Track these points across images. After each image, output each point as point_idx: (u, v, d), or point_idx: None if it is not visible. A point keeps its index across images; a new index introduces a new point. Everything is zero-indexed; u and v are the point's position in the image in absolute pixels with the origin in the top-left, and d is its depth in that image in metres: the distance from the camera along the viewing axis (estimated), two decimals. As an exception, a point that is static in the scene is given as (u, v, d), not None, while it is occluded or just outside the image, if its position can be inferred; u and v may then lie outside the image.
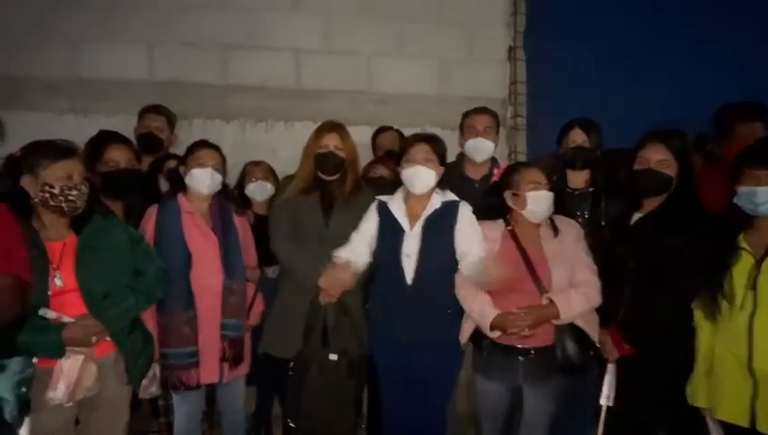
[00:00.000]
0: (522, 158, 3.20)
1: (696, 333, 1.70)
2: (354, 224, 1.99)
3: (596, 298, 1.80)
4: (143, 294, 1.71)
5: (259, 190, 2.42)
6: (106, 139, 2.00)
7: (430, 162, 1.90)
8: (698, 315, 1.70)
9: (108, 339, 1.64)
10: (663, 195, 1.82)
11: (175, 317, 1.86)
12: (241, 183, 2.48)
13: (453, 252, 1.90)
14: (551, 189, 1.86)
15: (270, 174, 2.47)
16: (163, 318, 1.88)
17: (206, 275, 1.91)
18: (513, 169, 1.98)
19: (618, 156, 2.14)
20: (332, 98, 3.05)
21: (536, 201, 1.83)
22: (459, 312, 1.92)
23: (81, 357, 1.54)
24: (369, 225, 1.96)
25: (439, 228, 1.92)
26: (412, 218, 1.94)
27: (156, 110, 2.61)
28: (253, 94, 3.03)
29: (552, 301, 1.77)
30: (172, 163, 2.23)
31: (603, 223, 2.08)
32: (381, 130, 2.82)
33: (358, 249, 1.93)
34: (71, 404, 1.55)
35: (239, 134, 3.01)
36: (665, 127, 1.91)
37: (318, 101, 3.02)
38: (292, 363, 1.95)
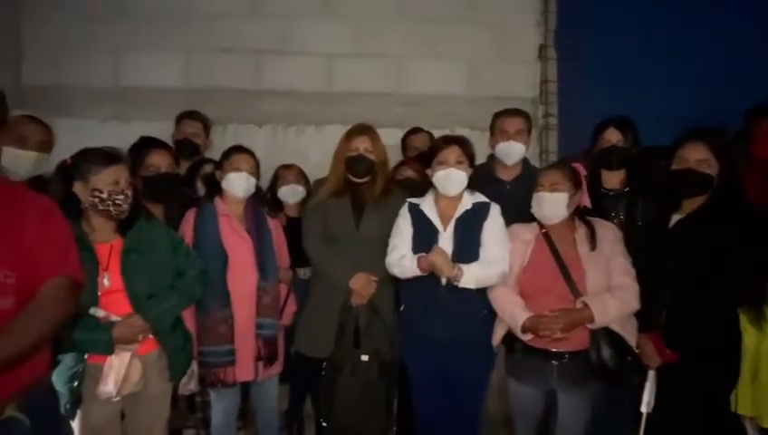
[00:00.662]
0: (553, 158, 3.13)
1: (742, 338, 1.64)
2: (385, 226, 2.00)
3: (633, 303, 1.75)
4: (184, 294, 1.76)
5: (291, 193, 2.45)
6: (147, 144, 2.07)
7: (462, 164, 1.91)
8: (743, 320, 1.64)
9: (151, 337, 1.68)
10: (704, 195, 1.77)
11: (212, 316, 1.90)
12: (273, 186, 2.52)
13: None
14: (574, 191, 1.82)
15: (301, 177, 2.50)
16: (201, 317, 1.92)
17: (242, 276, 1.94)
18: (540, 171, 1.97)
19: (652, 154, 2.08)
20: (363, 101, 3.06)
21: (537, 203, 1.82)
22: (494, 313, 1.91)
23: (129, 354, 1.60)
24: (406, 225, 1.96)
25: (471, 229, 1.92)
26: (444, 219, 1.94)
27: (192, 116, 2.67)
28: (285, 99, 3.07)
29: (586, 304, 1.73)
30: (209, 168, 2.29)
31: (640, 224, 2.02)
32: (412, 132, 2.80)
33: (405, 252, 1.92)
34: (118, 398, 1.61)
35: (271, 138, 3.05)
36: (703, 125, 1.84)
37: (348, 105, 3.03)
38: (324, 364, 1.98)
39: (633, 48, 2.88)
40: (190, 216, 1.99)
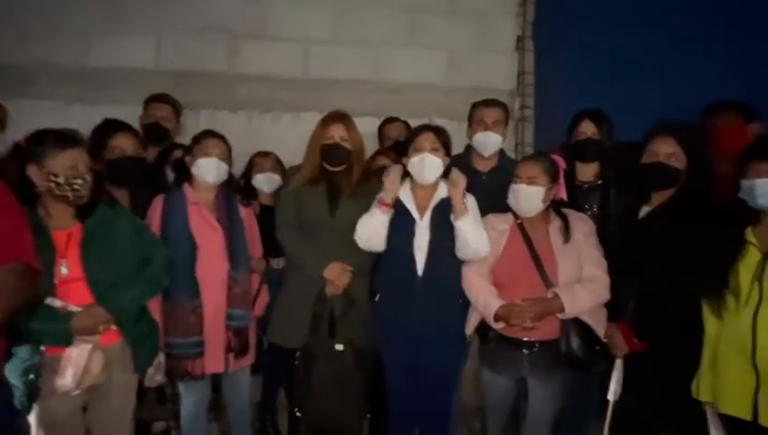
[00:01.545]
0: (529, 150, 3.15)
1: (704, 328, 1.67)
2: (361, 214, 1.95)
3: (604, 294, 1.77)
4: (150, 282, 1.70)
5: (267, 181, 2.39)
6: (111, 126, 1.97)
7: (437, 151, 1.87)
8: (706, 309, 1.66)
9: (114, 328, 1.62)
10: (672, 189, 1.78)
11: (180, 307, 1.84)
12: (247, 174, 2.45)
13: None
14: (551, 185, 1.81)
15: (278, 165, 2.44)
16: (168, 308, 1.86)
17: (211, 266, 1.89)
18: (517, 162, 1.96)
19: (627, 149, 2.08)
20: (340, 88, 3.01)
21: (514, 195, 1.82)
22: (468, 303, 1.91)
23: (89, 346, 1.53)
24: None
25: (447, 219, 1.89)
26: (420, 209, 1.92)
27: (162, 99, 2.56)
28: (260, 84, 3.00)
29: (557, 295, 1.74)
30: (179, 153, 2.20)
31: (612, 216, 2.04)
32: (388, 121, 2.77)
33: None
34: (78, 392, 1.55)
35: (246, 125, 2.98)
36: (674, 119, 1.85)
37: (325, 92, 2.98)
38: (298, 353, 1.95)
39: (612, 41, 2.87)
40: (158, 202, 1.92)
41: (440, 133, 1.92)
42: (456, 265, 1.90)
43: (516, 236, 1.85)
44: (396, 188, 1.85)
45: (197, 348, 1.86)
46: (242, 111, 2.99)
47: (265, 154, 2.46)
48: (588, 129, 2.14)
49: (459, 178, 1.84)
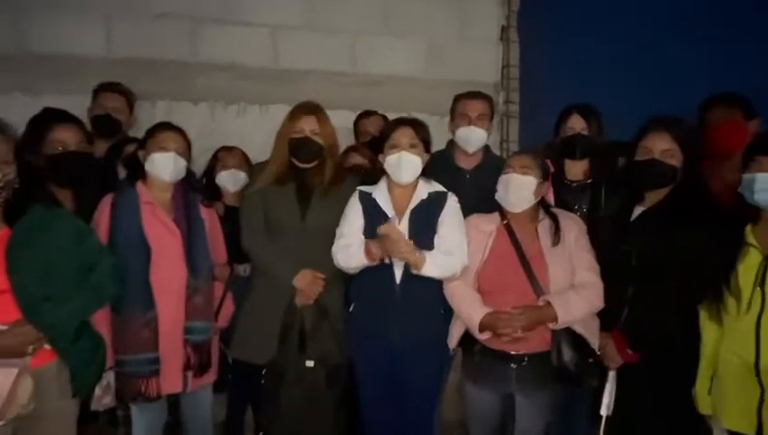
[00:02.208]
0: (514, 147, 3.14)
1: (701, 336, 1.67)
2: (334, 217, 1.92)
3: (597, 302, 1.75)
4: (92, 294, 1.61)
5: (231, 179, 2.34)
6: (51, 117, 1.87)
7: (415, 148, 1.85)
8: (703, 316, 1.66)
9: (48, 347, 1.52)
10: (667, 187, 1.77)
11: (132, 320, 1.77)
12: (210, 171, 2.41)
13: None
14: (542, 180, 1.80)
15: (244, 162, 2.39)
16: (118, 321, 1.78)
17: (168, 273, 1.82)
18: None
19: (618, 148, 2.10)
20: (312, 79, 2.96)
21: (504, 185, 1.78)
22: (450, 313, 1.88)
23: (15, 370, 1.41)
24: (356, 215, 1.88)
25: (427, 220, 1.86)
26: (398, 210, 1.88)
27: (113, 88, 2.48)
28: (224, 74, 2.93)
29: (549, 303, 1.71)
30: (131, 148, 2.12)
31: (602, 217, 2.03)
32: (364, 115, 2.73)
33: (354, 241, 1.83)
34: (2, 423, 1.42)
35: (208, 118, 2.91)
36: (669, 114, 1.84)
37: (296, 83, 2.93)
38: (265, 371, 1.90)
39: (602, 31, 2.88)
40: (106, 203, 1.84)
41: (419, 128, 1.89)
42: None
43: (503, 237, 1.82)
44: (386, 250, 1.76)
45: (152, 366, 1.79)
46: (203, 102, 2.92)
47: (230, 150, 2.41)
48: (577, 124, 2.13)
49: (389, 229, 1.72)
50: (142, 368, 1.78)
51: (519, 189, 1.78)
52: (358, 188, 1.93)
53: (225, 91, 2.93)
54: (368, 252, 1.77)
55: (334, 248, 1.85)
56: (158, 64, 2.85)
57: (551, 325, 1.73)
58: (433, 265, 1.76)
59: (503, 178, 1.81)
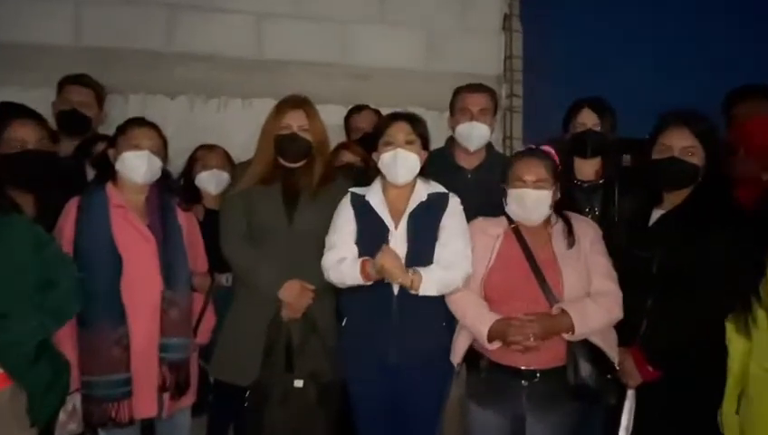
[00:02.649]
0: (517, 145, 3.13)
1: (728, 351, 1.62)
2: (324, 221, 1.88)
3: (617, 312, 1.69)
4: (51, 312, 1.54)
5: (213, 181, 2.31)
6: (8, 112, 1.80)
7: (412, 145, 1.81)
8: (730, 329, 1.61)
9: (1, 371, 1.45)
10: (688, 188, 1.73)
11: (101, 337, 1.71)
12: (189, 171, 2.38)
13: None
14: (555, 186, 1.75)
15: (226, 161, 2.36)
16: (86, 339, 1.72)
17: (141, 285, 1.77)
18: (510, 159, 1.90)
19: (631, 145, 2.08)
20: (300, 71, 2.94)
21: (517, 201, 1.74)
22: (453, 326, 1.83)
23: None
24: (348, 221, 1.83)
25: (427, 225, 1.81)
26: (394, 214, 1.83)
27: (80, 81, 2.43)
28: (204, 65, 2.90)
29: (564, 311, 1.66)
30: (101, 146, 2.06)
31: (616, 220, 1.99)
32: (356, 110, 2.71)
33: (346, 253, 1.78)
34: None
35: (186, 113, 2.88)
36: (688, 109, 1.78)
37: (282, 75, 2.90)
38: (248, 392, 1.84)
39: (611, 19, 2.84)
40: (71, 206, 1.78)
41: (416, 123, 1.85)
42: None
43: (511, 241, 1.77)
44: (384, 273, 1.70)
45: (123, 387, 1.73)
46: (181, 96, 2.89)
47: (210, 148, 2.39)
48: (588, 119, 2.09)
49: (387, 257, 1.67)
50: (112, 390, 1.71)
51: (537, 207, 1.73)
52: (350, 190, 1.88)
53: (205, 83, 2.90)
54: (363, 272, 1.72)
55: (325, 262, 1.80)
56: (130, 54, 2.81)
57: (566, 336, 1.67)
58: (431, 283, 1.71)
59: (515, 194, 1.74)
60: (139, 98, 2.78)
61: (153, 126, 1.88)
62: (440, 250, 1.77)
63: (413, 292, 1.71)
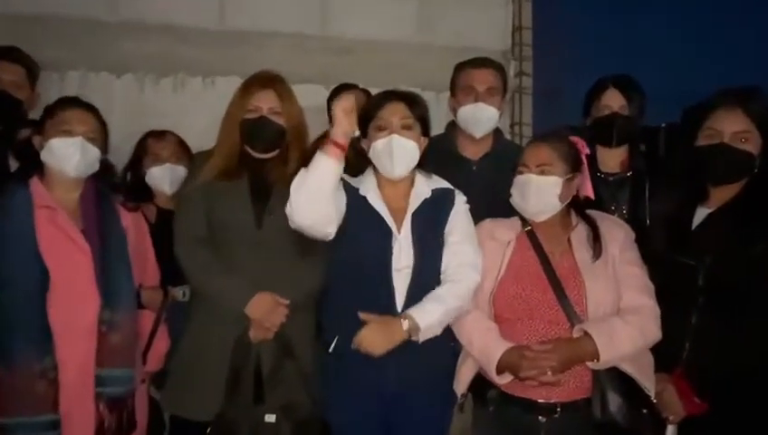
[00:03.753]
0: (527, 131, 3.12)
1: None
2: None
3: (653, 332, 1.64)
4: None
5: (167, 176, 2.26)
6: None
7: (409, 130, 1.77)
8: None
9: None
10: (740, 181, 1.70)
11: (21, 369, 1.62)
12: (137, 164, 2.33)
13: None
14: (571, 175, 1.71)
15: (181, 151, 2.34)
16: (2, 372, 1.64)
17: (73, 304, 1.70)
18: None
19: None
20: (271, 44, 2.91)
21: (519, 190, 1.72)
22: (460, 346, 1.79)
23: None
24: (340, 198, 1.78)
25: (433, 229, 1.78)
26: (395, 215, 1.79)
27: (10, 56, 2.31)
28: (156, 37, 2.86)
29: (587, 334, 1.60)
30: (27, 133, 1.99)
31: (649, 221, 1.97)
32: (341, 89, 2.64)
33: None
34: None
35: (136, 93, 2.85)
36: (741, 86, 1.74)
37: (250, 49, 2.87)
38: (209, 429, 1.75)
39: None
40: None
41: (414, 103, 1.81)
42: None
43: (525, 249, 1.74)
44: (351, 122, 1.68)
45: (50, 431, 1.64)
46: (129, 73, 2.85)
47: (160, 135, 2.33)
48: (613, 101, 2.06)
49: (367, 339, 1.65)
50: (37, 434, 1.63)
51: (539, 195, 1.70)
52: (342, 177, 1.79)
53: (158, 59, 2.87)
54: (329, 142, 1.68)
55: (288, 205, 1.71)
56: (68, 24, 2.77)
57: (591, 365, 1.61)
58: (433, 323, 1.67)
59: (517, 181, 1.73)
60: (79, 75, 2.75)
61: (89, 107, 1.82)
62: (447, 259, 1.75)
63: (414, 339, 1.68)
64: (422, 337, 1.67)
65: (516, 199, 1.73)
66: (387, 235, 1.73)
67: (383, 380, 1.72)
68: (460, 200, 1.81)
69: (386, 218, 1.75)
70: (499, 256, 1.73)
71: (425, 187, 1.79)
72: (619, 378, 1.62)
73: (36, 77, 2.40)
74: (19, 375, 1.60)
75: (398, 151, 1.72)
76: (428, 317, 1.66)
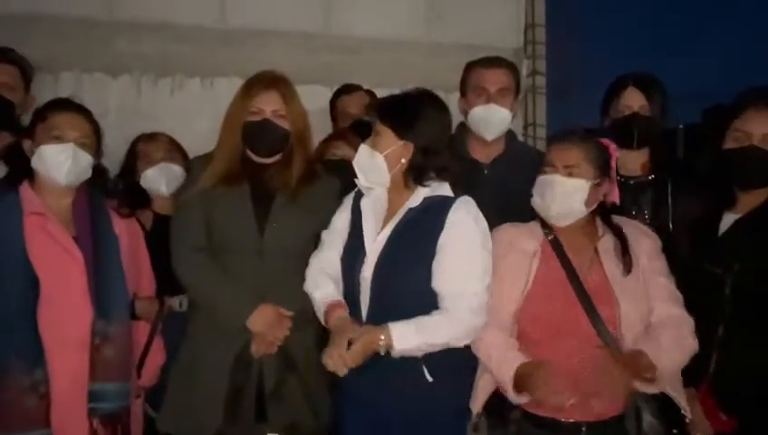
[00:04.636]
0: (541, 132, 3.13)
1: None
2: (304, 230, 1.86)
3: (692, 344, 1.61)
4: None
5: (163, 177, 2.26)
6: None
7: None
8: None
9: None
10: (769, 186, 1.69)
11: (11, 383, 1.62)
12: (131, 169, 2.33)
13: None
14: (599, 180, 1.66)
15: (174, 150, 2.34)
16: None
17: (64, 314, 1.69)
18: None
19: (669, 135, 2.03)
20: (273, 43, 2.91)
21: (542, 191, 1.67)
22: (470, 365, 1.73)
23: None
24: (341, 220, 1.80)
25: (413, 241, 1.67)
26: (387, 222, 1.75)
27: (4, 57, 2.35)
28: (154, 36, 2.88)
29: (641, 353, 1.54)
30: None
31: (671, 226, 1.95)
32: (345, 91, 2.69)
33: (333, 260, 1.76)
34: None
35: (132, 95, 2.85)
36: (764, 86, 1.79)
37: (251, 48, 2.87)
38: None
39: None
40: None
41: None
42: (423, 308, 1.69)
43: (550, 259, 1.68)
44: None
45: None
46: (125, 74, 2.86)
47: (151, 137, 2.33)
48: (633, 100, 2.05)
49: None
50: None
51: (565, 197, 1.65)
52: (358, 182, 1.77)
53: (155, 59, 2.88)
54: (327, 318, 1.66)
55: (309, 268, 1.76)
56: (62, 23, 2.77)
57: (641, 387, 1.55)
58: (408, 341, 1.56)
59: (541, 181, 1.69)
60: (73, 76, 2.75)
61: (81, 110, 1.81)
62: (440, 279, 1.63)
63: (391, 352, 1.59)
64: (396, 355, 1.59)
65: (537, 200, 1.69)
66: (358, 248, 1.71)
67: (382, 402, 1.68)
68: (463, 211, 1.68)
69: (365, 226, 1.71)
70: (524, 268, 1.66)
71: (420, 196, 1.70)
72: (652, 396, 1.59)
73: (30, 79, 2.45)
74: (8, 389, 1.60)
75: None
76: (406, 343, 1.57)
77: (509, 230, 1.74)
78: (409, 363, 1.65)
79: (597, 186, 1.67)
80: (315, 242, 1.84)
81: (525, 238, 1.71)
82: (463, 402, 1.71)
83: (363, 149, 1.70)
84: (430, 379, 1.64)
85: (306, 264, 1.81)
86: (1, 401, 1.60)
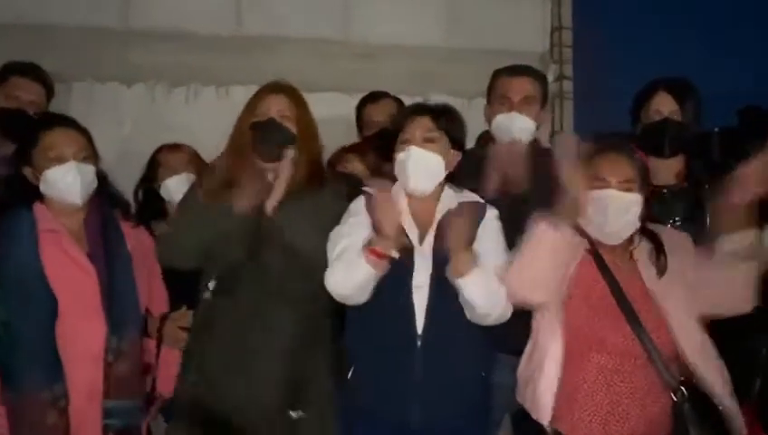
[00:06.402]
0: None
1: None
2: (308, 237, 1.82)
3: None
4: None
5: (183, 185, 2.24)
6: None
7: (433, 143, 1.78)
8: None
9: None
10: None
11: (30, 398, 1.66)
12: (149, 179, 2.35)
13: None
14: (646, 194, 1.65)
15: (198, 162, 2.35)
16: (11, 400, 1.68)
17: (80, 330, 1.71)
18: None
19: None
20: (289, 50, 2.93)
21: (596, 206, 1.63)
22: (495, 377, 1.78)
23: None
24: (360, 229, 1.74)
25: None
26: (421, 228, 1.78)
27: (31, 73, 2.40)
28: (169, 45, 2.90)
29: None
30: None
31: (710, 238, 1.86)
32: (372, 99, 2.69)
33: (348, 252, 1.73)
34: None
35: (146, 104, 2.87)
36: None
37: (267, 56, 2.88)
38: None
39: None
40: None
41: (441, 116, 1.81)
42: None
43: (590, 268, 1.67)
44: (392, 224, 1.64)
45: None
46: (139, 83, 2.88)
47: (174, 148, 2.36)
48: (664, 105, 2.05)
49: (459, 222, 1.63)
50: None
51: (623, 215, 1.64)
52: (366, 189, 1.80)
53: (170, 68, 2.91)
54: (370, 255, 1.62)
55: (328, 276, 1.72)
56: (76, 33, 2.81)
57: None
58: (480, 278, 1.62)
59: (594, 197, 1.64)
60: (86, 86, 2.76)
61: (66, 121, 1.82)
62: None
63: (455, 277, 1.63)
64: (467, 280, 1.62)
65: (591, 218, 1.64)
66: (407, 249, 1.71)
67: (405, 415, 1.69)
68: (491, 214, 1.79)
69: (408, 231, 1.73)
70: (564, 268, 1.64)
71: (451, 199, 1.78)
72: (702, 416, 1.55)
73: (53, 96, 2.47)
74: (29, 404, 1.64)
75: (416, 164, 1.72)
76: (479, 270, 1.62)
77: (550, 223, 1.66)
78: (448, 363, 1.69)
79: (646, 202, 1.66)
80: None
81: (571, 238, 1.66)
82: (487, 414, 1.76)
83: (420, 152, 1.71)
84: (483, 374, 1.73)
85: (308, 269, 1.78)
86: (20, 416, 1.64)
